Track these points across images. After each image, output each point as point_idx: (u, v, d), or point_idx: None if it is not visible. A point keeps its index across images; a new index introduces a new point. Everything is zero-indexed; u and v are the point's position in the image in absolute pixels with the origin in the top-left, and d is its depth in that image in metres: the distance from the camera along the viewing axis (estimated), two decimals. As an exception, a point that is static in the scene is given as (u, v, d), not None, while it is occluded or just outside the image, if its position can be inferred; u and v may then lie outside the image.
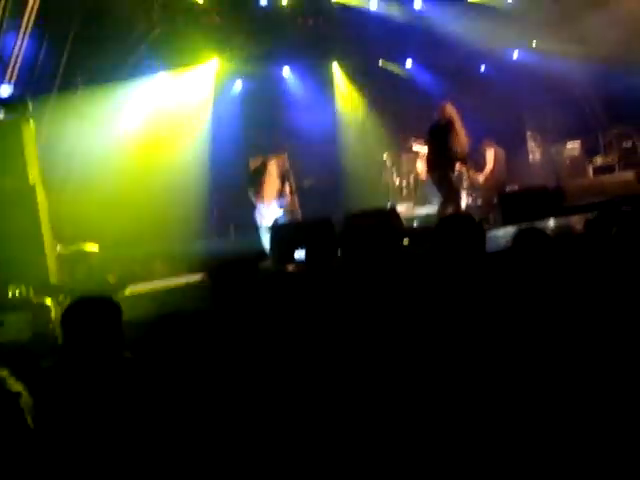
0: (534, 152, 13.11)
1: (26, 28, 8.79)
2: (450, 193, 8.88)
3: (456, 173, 9.27)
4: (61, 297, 7.03)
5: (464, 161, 9.20)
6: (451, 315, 2.84)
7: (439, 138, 8.90)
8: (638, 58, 11.70)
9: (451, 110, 9.04)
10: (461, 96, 12.01)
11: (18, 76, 8.92)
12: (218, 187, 11.40)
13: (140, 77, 11.13)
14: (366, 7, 12.15)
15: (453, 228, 3.81)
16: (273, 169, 9.69)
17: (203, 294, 4.30)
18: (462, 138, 8.87)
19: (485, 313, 2.87)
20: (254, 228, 9.64)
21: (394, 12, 12.31)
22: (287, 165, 10.30)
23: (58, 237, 8.75)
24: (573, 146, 12.62)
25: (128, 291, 7.27)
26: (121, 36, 10.38)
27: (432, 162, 9.11)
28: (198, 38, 11.33)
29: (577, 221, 6.49)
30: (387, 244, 4.77)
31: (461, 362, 2.58)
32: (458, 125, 8.85)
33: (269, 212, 9.58)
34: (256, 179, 9.69)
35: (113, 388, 2.85)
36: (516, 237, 3.99)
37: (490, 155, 11.30)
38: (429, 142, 9.33)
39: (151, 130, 11.24)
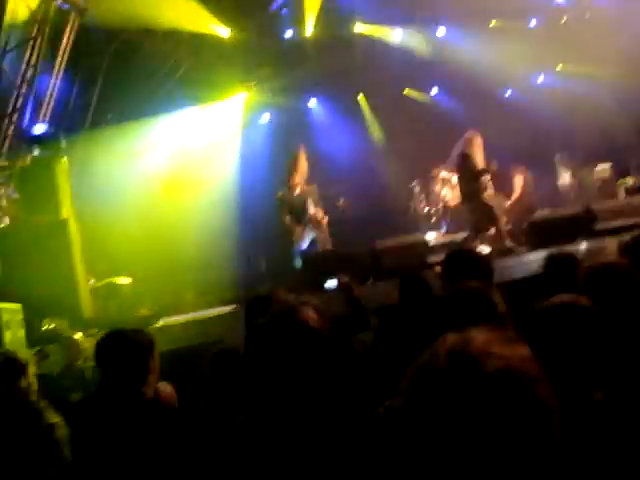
0: (563, 176, 13.02)
1: (59, 68, 9.04)
2: (482, 222, 8.82)
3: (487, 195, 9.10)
4: (94, 330, 7.11)
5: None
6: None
7: (465, 168, 8.88)
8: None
9: (471, 137, 8.99)
10: (487, 122, 12.05)
11: (51, 115, 9.16)
12: (248, 218, 11.47)
13: (169, 112, 11.32)
14: (389, 38, 12.27)
15: (457, 264, 3.89)
16: (303, 192, 9.71)
17: (236, 325, 4.30)
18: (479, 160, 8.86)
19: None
20: (286, 254, 9.64)
21: (417, 41, 12.39)
22: (317, 196, 10.31)
23: (91, 271, 8.87)
24: (603, 168, 12.51)
25: (161, 323, 7.32)
26: (149, 72, 10.60)
27: (464, 193, 9.09)
28: (224, 72, 11.52)
29: (610, 244, 6.40)
30: (416, 273, 4.74)
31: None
32: (475, 150, 8.81)
33: (305, 234, 9.56)
34: (293, 204, 9.60)
35: (143, 424, 2.84)
36: (546, 262, 3.98)
37: (519, 181, 11.28)
38: (458, 173, 9.27)
39: (181, 163, 11.40)
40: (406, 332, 4.39)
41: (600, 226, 7.66)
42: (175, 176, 11.27)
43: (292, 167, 9.45)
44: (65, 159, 8.58)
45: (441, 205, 11.31)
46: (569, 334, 2.23)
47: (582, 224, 7.85)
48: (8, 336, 6.24)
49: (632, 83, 12.05)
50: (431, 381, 1.08)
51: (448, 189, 10.80)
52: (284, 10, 11.44)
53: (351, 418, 2.16)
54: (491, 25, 12.44)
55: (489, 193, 8.99)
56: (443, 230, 11.00)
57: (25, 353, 5.61)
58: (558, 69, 13.95)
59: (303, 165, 9.50)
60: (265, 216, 10.75)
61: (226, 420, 2.51)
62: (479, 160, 8.77)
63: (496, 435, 1.03)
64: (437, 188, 11.43)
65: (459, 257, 4.21)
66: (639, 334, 2.84)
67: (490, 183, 9.03)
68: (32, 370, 3.59)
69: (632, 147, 12.83)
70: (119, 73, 10.21)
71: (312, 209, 9.55)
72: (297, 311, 2.17)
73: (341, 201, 10.45)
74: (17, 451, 2.66)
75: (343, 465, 2.05)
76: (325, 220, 9.65)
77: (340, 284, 4.44)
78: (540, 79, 14.38)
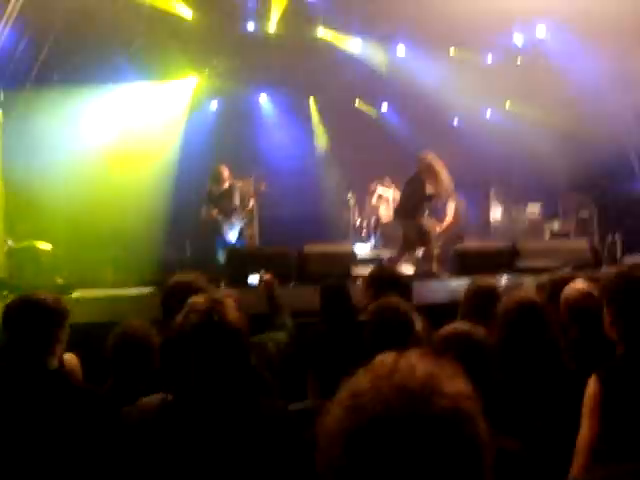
0: (495, 210, 13.37)
1: (9, 18, 8.72)
2: (413, 242, 8.96)
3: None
4: (5, 292, 6.90)
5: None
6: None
7: (414, 187, 8.96)
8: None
9: (431, 159, 9.01)
10: (431, 146, 12.21)
11: (-7, 65, 8.84)
12: (182, 202, 11.33)
13: (117, 83, 11.08)
14: (349, 47, 12.33)
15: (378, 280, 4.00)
16: (233, 185, 9.77)
17: (152, 306, 4.24)
18: (445, 178, 8.88)
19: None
20: (211, 246, 9.63)
21: (376, 55, 12.49)
22: (251, 189, 10.30)
23: (11, 231, 8.59)
24: (533, 209, 12.91)
25: (75, 294, 7.13)
26: (103, 40, 10.33)
27: (404, 210, 9.17)
28: (180, 53, 11.34)
29: (528, 282, 6.60)
30: (340, 284, 4.81)
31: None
32: (438, 169, 8.85)
33: (230, 227, 9.60)
34: (220, 197, 9.72)
35: (44, 393, 2.76)
36: (468, 290, 4.09)
37: (451, 208, 11.44)
38: (404, 190, 9.33)
39: (120, 138, 11.15)
40: (323, 340, 4.43)
41: (522, 264, 7.89)
42: (114, 149, 11.01)
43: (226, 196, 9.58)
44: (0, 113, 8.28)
45: (374, 219, 11.42)
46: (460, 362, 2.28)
47: (506, 259, 8.07)
48: None
49: (572, 132, 12.48)
50: (376, 414, 1.01)
51: (383, 205, 10.92)
52: (251, 2, 11.36)
53: (254, 414, 2.16)
54: (450, 53, 12.65)
55: (426, 216, 9.16)
56: (372, 244, 11.12)
57: None
58: (507, 107, 14.31)
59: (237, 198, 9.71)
60: (198, 203, 10.66)
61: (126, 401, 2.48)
62: (437, 181, 8.80)
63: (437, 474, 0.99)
64: (372, 202, 11.56)
65: (381, 274, 4.29)
66: (546, 368, 2.95)
67: (429, 206, 9.19)
68: None
69: (563, 192, 13.28)
70: (72, 35, 9.91)
71: (238, 202, 9.60)
72: (216, 310, 2.18)
73: (263, 186, 10.46)
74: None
75: (242, 459, 2.06)
76: (254, 210, 9.72)
77: (262, 281, 4.43)
78: (488, 113, 14.73)
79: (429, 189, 8.80)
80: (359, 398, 1.05)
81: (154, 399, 2.23)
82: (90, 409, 2.73)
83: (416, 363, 1.09)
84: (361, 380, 1.08)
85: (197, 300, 2.27)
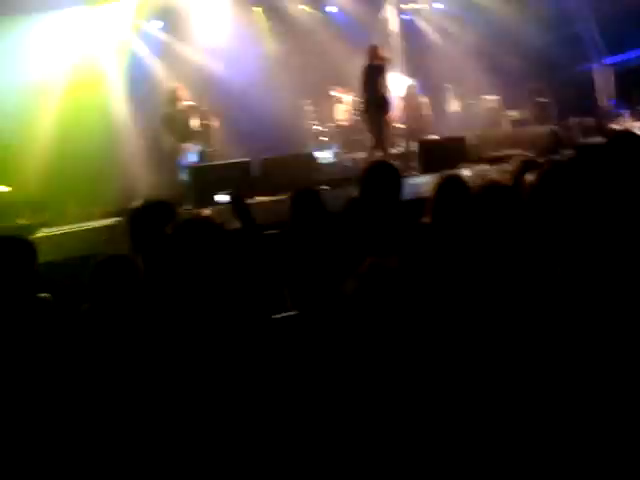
0: (452, 103, 13.30)
1: None
2: (380, 137, 8.95)
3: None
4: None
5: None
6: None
7: (371, 79, 8.93)
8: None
9: (383, 52, 9.21)
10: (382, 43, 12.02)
11: None
12: (138, 129, 11.08)
13: (53, 9, 10.57)
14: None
15: (376, 176, 3.96)
16: (191, 109, 9.57)
17: (120, 237, 4.20)
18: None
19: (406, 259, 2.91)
20: (174, 168, 9.50)
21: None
22: (206, 106, 10.09)
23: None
24: (491, 99, 12.88)
25: (41, 233, 7.02)
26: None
27: (365, 104, 9.18)
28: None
29: (492, 171, 6.66)
30: (305, 190, 4.76)
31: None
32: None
33: (190, 150, 9.47)
34: (173, 119, 9.53)
35: (28, 329, 2.77)
36: (439, 185, 4.09)
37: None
38: (362, 84, 9.29)
39: (67, 67, 10.75)
40: (300, 248, 4.44)
41: (484, 154, 7.94)
42: (61, 81, 10.65)
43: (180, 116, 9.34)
44: None
45: (334, 125, 11.30)
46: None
47: (468, 151, 8.11)
48: None
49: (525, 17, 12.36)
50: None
51: (341, 109, 10.77)
52: None
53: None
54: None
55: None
56: (333, 150, 11.05)
57: None
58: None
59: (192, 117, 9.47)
60: (154, 130, 10.44)
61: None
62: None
63: None
64: (330, 107, 11.41)
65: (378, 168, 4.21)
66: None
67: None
68: None
69: (519, 82, 13.23)
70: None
71: (196, 123, 9.43)
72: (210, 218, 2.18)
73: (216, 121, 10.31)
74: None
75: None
76: (214, 127, 9.58)
77: (230, 196, 4.37)
78: (436, 4, 14.44)
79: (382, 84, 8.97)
80: None
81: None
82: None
83: None
84: None
85: (188, 214, 2.27)
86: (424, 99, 11.53)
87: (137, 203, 3.53)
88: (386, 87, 9.11)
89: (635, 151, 3.01)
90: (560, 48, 12.54)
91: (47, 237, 6.86)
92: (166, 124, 9.51)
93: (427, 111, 11.45)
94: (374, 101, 8.95)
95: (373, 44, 9.42)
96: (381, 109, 8.96)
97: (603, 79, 13.31)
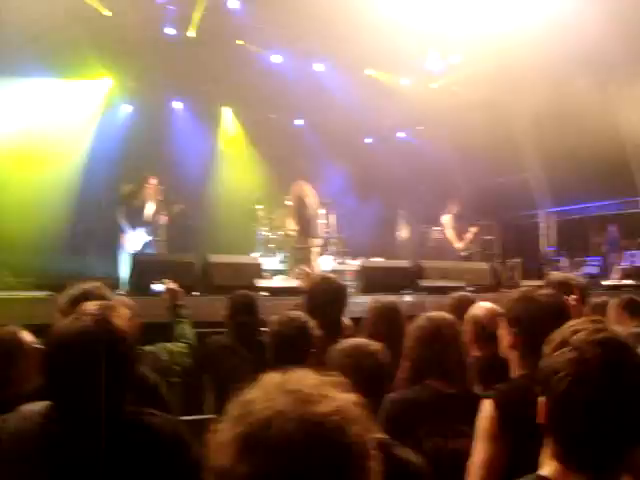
0: (403, 229, 13.64)
1: None
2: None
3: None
4: None
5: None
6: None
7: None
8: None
9: (300, 189, 10.08)
10: (344, 162, 12.43)
11: None
12: (85, 207, 10.99)
13: (24, 77, 10.65)
14: (268, 57, 12.30)
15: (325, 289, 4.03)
16: (147, 195, 9.57)
17: (46, 310, 4.08)
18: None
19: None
20: (113, 252, 9.39)
21: (294, 68, 12.54)
22: (161, 196, 10.08)
23: None
24: (439, 230, 13.25)
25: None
26: (13, 29, 9.88)
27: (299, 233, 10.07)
28: (94, 51, 11.00)
29: (430, 301, 6.74)
30: (244, 294, 4.78)
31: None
32: (306, 202, 10.03)
33: (137, 238, 9.38)
34: (131, 204, 9.51)
35: None
36: (371, 308, 4.13)
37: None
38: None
39: (26, 136, 10.72)
40: (226, 351, 4.38)
41: (425, 283, 8.05)
42: (17, 147, 10.59)
43: (134, 201, 9.44)
44: None
45: (282, 233, 11.36)
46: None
47: (409, 278, 8.22)
48: None
49: (478, 158, 12.92)
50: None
51: (290, 219, 10.89)
52: (171, 7, 11.15)
53: (138, 427, 2.10)
54: (366, 72, 12.83)
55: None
56: (280, 258, 11.07)
57: None
58: (418, 128, 14.67)
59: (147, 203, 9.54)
60: (102, 208, 10.39)
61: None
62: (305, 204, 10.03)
63: None
64: (282, 216, 11.52)
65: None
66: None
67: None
68: None
69: (468, 217, 13.68)
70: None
71: (150, 212, 9.43)
72: (104, 315, 2.11)
73: (175, 207, 10.30)
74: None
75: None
76: (165, 222, 9.58)
77: (167, 289, 4.33)
78: (400, 134, 15.06)
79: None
80: (249, 405, 1.10)
81: (36, 407, 2.12)
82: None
83: (306, 375, 1.16)
84: (252, 391, 1.14)
85: (88, 305, 2.21)
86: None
87: (72, 285, 3.39)
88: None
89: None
90: (509, 191, 13.11)
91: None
92: (121, 205, 9.48)
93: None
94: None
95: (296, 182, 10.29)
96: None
97: (546, 226, 13.93)
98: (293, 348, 3.16)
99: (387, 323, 3.89)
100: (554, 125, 11.41)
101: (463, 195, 12.67)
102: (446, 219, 11.51)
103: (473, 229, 11.46)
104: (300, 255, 9.92)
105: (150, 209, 9.58)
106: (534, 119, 12.38)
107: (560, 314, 2.56)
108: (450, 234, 11.39)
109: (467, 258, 11.74)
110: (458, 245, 11.31)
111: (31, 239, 9.81)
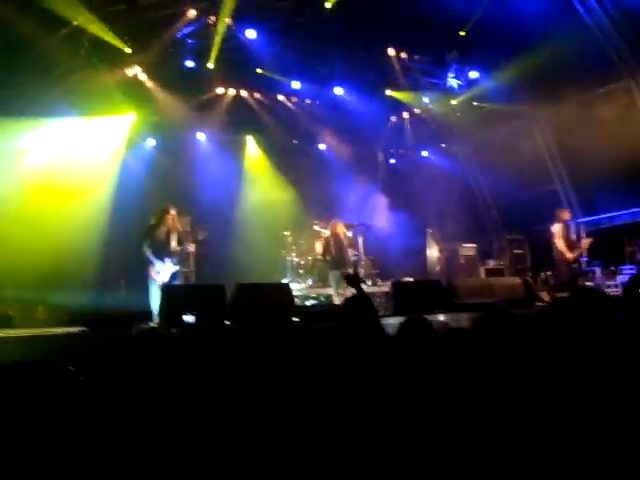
0: (432, 248, 13.56)
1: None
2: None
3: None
4: None
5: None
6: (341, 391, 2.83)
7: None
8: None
9: (336, 229, 10.24)
10: (370, 183, 12.43)
11: None
12: (115, 240, 11.10)
13: (52, 117, 10.85)
14: (288, 83, 12.38)
15: (355, 309, 4.00)
16: (170, 226, 9.62)
17: (80, 345, 4.10)
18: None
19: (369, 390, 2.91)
20: (145, 285, 9.43)
21: (314, 94, 12.60)
22: (188, 227, 10.15)
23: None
24: (469, 247, 13.16)
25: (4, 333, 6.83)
26: (41, 72, 10.10)
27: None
28: (118, 89, 11.20)
29: (464, 318, 6.67)
30: (277, 319, 4.76)
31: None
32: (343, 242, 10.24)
33: (164, 269, 9.42)
34: (155, 235, 9.55)
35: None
36: (402, 326, 4.08)
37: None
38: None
39: (56, 173, 10.88)
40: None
41: (458, 300, 7.98)
42: (48, 185, 10.74)
43: (161, 234, 9.48)
44: None
45: (310, 258, 11.39)
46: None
47: (442, 296, 8.15)
48: None
49: (507, 177, 12.83)
50: None
51: (319, 243, 10.90)
52: (190, 40, 11.31)
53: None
54: (387, 93, 12.85)
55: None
56: (309, 283, 11.07)
57: None
58: (442, 146, 14.64)
59: (174, 235, 9.54)
60: (133, 241, 10.47)
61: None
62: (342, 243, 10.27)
63: None
64: (309, 240, 11.53)
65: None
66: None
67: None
68: None
69: (497, 232, 13.60)
70: (9, 63, 9.65)
71: (175, 242, 9.44)
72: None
73: (200, 234, 10.33)
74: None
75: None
76: (192, 250, 9.61)
77: (197, 320, 4.33)
78: (424, 153, 15.01)
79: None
80: None
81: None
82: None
83: None
84: None
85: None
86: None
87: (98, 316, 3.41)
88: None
89: (597, 307, 3.04)
90: (537, 204, 12.97)
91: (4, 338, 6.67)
92: (146, 238, 9.52)
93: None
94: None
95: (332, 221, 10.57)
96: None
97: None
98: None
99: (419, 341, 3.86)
100: (580, 134, 11.33)
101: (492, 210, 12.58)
102: (556, 228, 10.53)
103: (587, 240, 10.68)
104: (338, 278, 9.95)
105: (174, 239, 9.61)
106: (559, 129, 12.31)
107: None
108: (560, 244, 10.42)
109: (497, 272, 11.60)
110: (569, 255, 10.36)
111: (63, 275, 9.91)
